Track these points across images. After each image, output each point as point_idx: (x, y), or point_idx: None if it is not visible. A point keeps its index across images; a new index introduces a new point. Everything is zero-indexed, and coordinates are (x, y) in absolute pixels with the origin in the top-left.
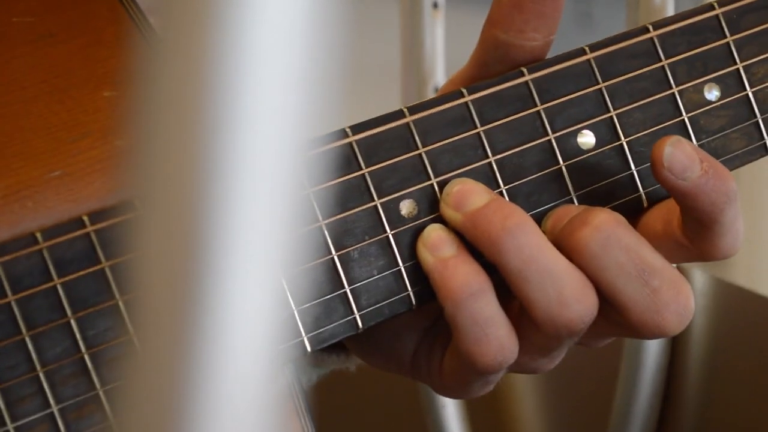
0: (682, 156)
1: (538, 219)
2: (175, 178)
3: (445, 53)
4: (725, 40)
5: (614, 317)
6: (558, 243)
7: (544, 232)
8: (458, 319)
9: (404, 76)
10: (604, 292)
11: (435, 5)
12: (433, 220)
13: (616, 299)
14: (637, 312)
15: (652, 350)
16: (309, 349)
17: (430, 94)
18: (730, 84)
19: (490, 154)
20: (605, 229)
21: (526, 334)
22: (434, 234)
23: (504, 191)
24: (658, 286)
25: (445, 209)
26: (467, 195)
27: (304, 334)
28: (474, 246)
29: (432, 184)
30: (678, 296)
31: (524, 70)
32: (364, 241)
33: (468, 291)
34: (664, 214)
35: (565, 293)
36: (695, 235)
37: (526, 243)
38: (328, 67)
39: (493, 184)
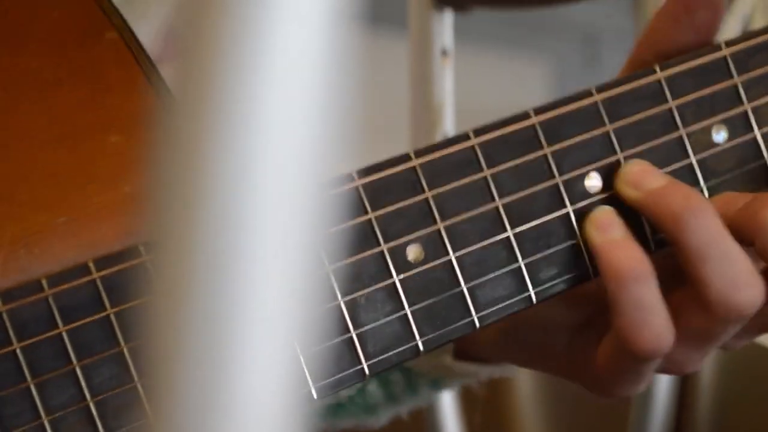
0: None
1: (546, 266)
2: (186, 229)
3: (455, 99)
4: (733, 81)
5: None
6: (733, 225)
7: None
8: (621, 301)
9: (413, 123)
10: None
11: (444, 52)
12: (440, 265)
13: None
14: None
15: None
16: (315, 397)
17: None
18: (738, 125)
19: (497, 198)
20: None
21: (689, 319)
22: (605, 215)
23: (511, 235)
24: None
25: (623, 187)
26: (646, 174)
27: (311, 384)
28: (654, 223)
29: (439, 229)
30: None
31: (531, 112)
32: (371, 286)
33: (634, 274)
34: None
35: (741, 277)
36: None
37: (708, 224)
38: (341, 114)
39: (499, 228)
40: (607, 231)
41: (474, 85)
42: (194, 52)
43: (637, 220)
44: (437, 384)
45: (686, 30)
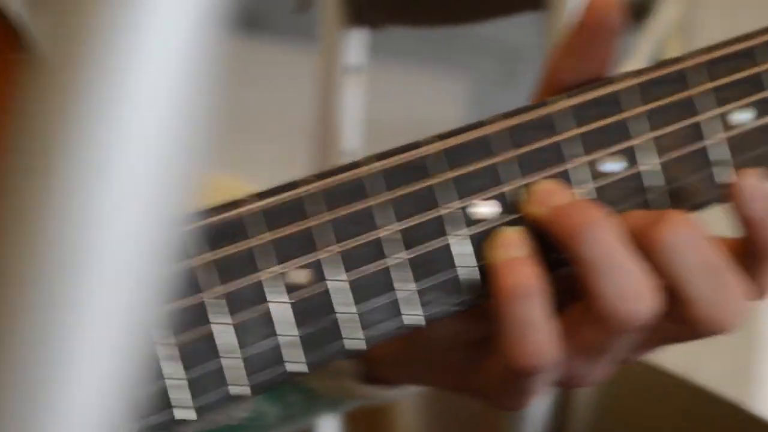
0: (756, 187)
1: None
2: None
3: (373, 115)
4: (630, 113)
5: (678, 313)
6: (632, 241)
7: None
8: (503, 317)
9: (317, 140)
10: (676, 286)
11: (352, 69)
12: (330, 289)
13: (686, 293)
14: (703, 307)
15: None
16: (196, 418)
17: (338, 157)
18: (634, 156)
19: (385, 224)
20: (684, 226)
21: (584, 332)
22: (508, 234)
23: (399, 261)
24: (724, 283)
25: (528, 205)
26: (552, 193)
27: (192, 404)
28: (554, 238)
29: (326, 254)
30: (740, 296)
31: (426, 139)
32: (255, 309)
33: (519, 292)
34: (723, 248)
35: (633, 289)
36: (752, 270)
37: (604, 238)
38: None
39: (387, 254)
40: (508, 249)
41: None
42: (54, 57)
43: (540, 241)
44: (337, 405)
45: (592, 62)
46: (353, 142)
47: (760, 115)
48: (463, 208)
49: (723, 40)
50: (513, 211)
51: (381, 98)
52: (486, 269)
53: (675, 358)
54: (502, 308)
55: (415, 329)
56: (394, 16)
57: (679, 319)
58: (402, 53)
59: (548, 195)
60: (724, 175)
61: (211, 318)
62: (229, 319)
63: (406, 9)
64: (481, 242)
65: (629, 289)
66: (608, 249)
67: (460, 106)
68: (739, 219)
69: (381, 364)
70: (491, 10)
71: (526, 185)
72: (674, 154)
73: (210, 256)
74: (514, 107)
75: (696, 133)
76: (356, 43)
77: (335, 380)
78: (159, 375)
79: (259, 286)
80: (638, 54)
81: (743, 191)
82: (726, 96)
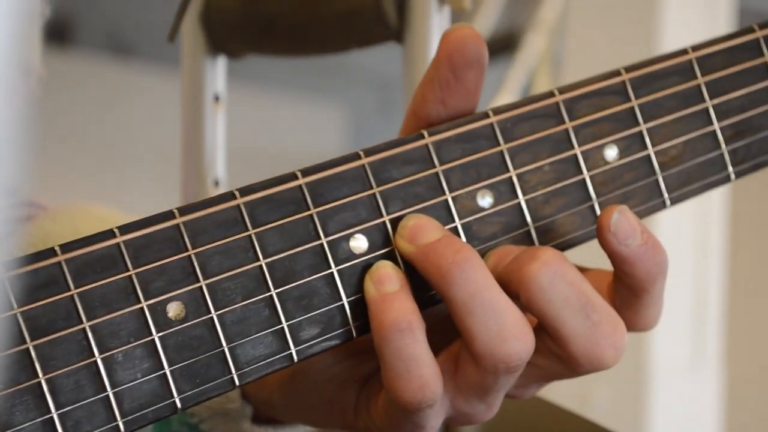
0: (626, 223)
1: (324, 321)
2: None
3: (226, 144)
4: (499, 148)
5: (556, 351)
6: (503, 278)
7: None
8: (384, 352)
9: (185, 167)
10: (548, 324)
11: (216, 99)
12: (200, 323)
13: (560, 331)
14: (579, 344)
15: None
16: None
17: (210, 186)
18: (503, 191)
19: (261, 257)
20: (553, 264)
21: (464, 371)
22: (382, 269)
23: (274, 294)
24: (598, 320)
25: (399, 241)
26: (421, 229)
27: None
28: (424, 276)
29: (201, 287)
30: (615, 331)
31: (298, 173)
32: (129, 343)
33: (397, 327)
34: (594, 282)
35: (506, 329)
36: (624, 303)
37: (474, 277)
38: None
39: (263, 288)
40: (383, 284)
41: (269, 129)
42: None
43: (415, 275)
44: None
45: (455, 94)
46: (221, 171)
47: (626, 151)
48: (333, 243)
49: (592, 76)
50: (381, 246)
51: (257, 126)
52: (355, 304)
53: (564, 388)
54: (382, 344)
55: (289, 365)
56: (254, 46)
57: (558, 357)
58: (277, 81)
59: (417, 231)
60: (594, 211)
61: (81, 352)
62: (98, 353)
63: (266, 39)
64: (351, 277)
65: (503, 329)
66: (478, 289)
67: (337, 134)
68: (612, 256)
69: (271, 404)
70: (350, 41)
71: (394, 220)
72: (544, 190)
73: (77, 290)
74: (386, 138)
75: (566, 168)
76: (219, 72)
77: (233, 423)
78: (34, 408)
79: (129, 319)
80: (509, 84)
81: (614, 228)
82: (594, 132)
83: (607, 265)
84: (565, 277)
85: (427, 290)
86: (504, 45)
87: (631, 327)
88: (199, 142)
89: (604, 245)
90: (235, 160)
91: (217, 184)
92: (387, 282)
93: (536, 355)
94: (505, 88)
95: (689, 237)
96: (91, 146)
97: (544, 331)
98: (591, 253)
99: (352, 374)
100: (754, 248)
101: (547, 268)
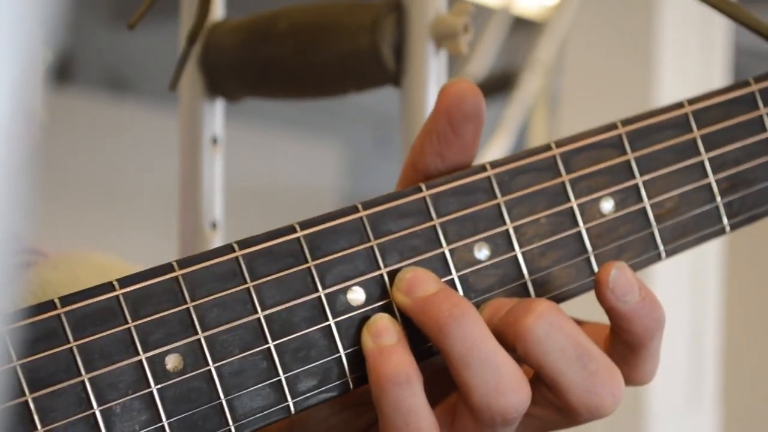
0: (624, 280)
1: (321, 374)
2: None
3: (224, 186)
4: (496, 201)
5: (554, 401)
6: (498, 331)
7: None
8: (382, 405)
9: (182, 210)
10: (546, 375)
11: (214, 141)
12: (198, 375)
13: (557, 381)
14: (577, 394)
15: None
16: None
17: (207, 229)
18: (500, 244)
19: (259, 310)
20: (548, 315)
21: (461, 423)
22: (380, 322)
23: (272, 346)
24: (595, 369)
25: (396, 293)
26: (418, 282)
27: None
28: (421, 330)
29: (199, 339)
30: (612, 379)
31: (296, 226)
32: (128, 395)
33: (395, 380)
34: (591, 335)
35: (503, 382)
36: (621, 358)
37: (471, 331)
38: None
39: (261, 340)
40: (381, 337)
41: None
42: None
43: (412, 327)
44: None
45: (453, 147)
46: (219, 213)
47: (622, 204)
48: (331, 295)
49: (588, 129)
50: (379, 298)
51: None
52: (352, 356)
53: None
54: (380, 396)
55: (286, 417)
56: (252, 90)
57: (556, 407)
58: (275, 120)
59: (414, 284)
60: (589, 263)
61: (79, 404)
62: (96, 405)
63: (263, 83)
64: (348, 329)
65: (501, 382)
66: (475, 342)
67: (335, 172)
68: (610, 312)
69: None
70: (347, 85)
71: (391, 272)
72: (540, 242)
73: (76, 342)
74: (383, 176)
75: (562, 221)
76: (217, 114)
77: None
78: None
79: (128, 371)
80: (505, 124)
81: (612, 285)
82: (591, 185)
83: (603, 317)
84: (561, 329)
85: (423, 342)
86: (500, 84)
87: (627, 381)
88: (197, 185)
89: (603, 301)
90: (234, 199)
91: (214, 226)
92: (385, 335)
93: (534, 406)
94: (502, 128)
95: (686, 277)
96: (89, 185)
97: (542, 382)
98: (588, 305)
99: (350, 426)
100: (749, 288)
101: (543, 320)
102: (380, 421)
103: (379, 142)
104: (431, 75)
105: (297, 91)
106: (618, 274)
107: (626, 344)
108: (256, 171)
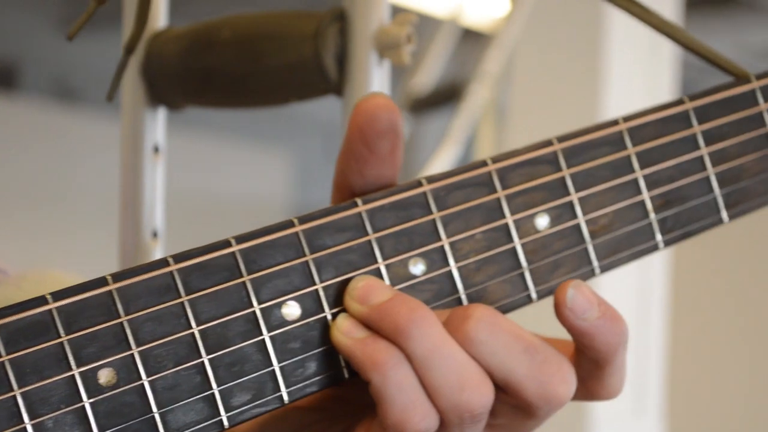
0: (582, 298)
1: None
2: None
3: (166, 195)
4: (432, 216)
5: (511, 402)
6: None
7: None
8: (387, 389)
9: (123, 218)
10: (498, 375)
11: (156, 150)
12: (132, 389)
13: (510, 379)
14: (531, 387)
15: None
16: None
17: (148, 238)
18: (436, 259)
19: (193, 324)
20: (486, 317)
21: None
22: (346, 321)
23: (206, 360)
24: (543, 359)
25: (350, 302)
26: (372, 290)
27: None
28: (381, 335)
29: (132, 354)
30: (562, 366)
31: (232, 240)
32: (60, 410)
33: (393, 361)
34: None
35: (466, 379)
36: (587, 374)
37: (431, 333)
38: None
39: (195, 354)
40: (353, 333)
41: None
42: None
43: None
44: None
45: (371, 164)
46: (160, 222)
47: (557, 220)
48: (266, 310)
49: (523, 146)
50: (314, 313)
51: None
52: (287, 370)
53: None
54: (380, 383)
55: (220, 431)
56: (194, 98)
57: (516, 408)
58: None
59: (368, 292)
60: (524, 278)
61: (11, 419)
62: (28, 419)
63: (205, 92)
64: (283, 343)
65: (464, 380)
66: (437, 343)
67: (282, 181)
68: (572, 331)
69: None
70: (290, 94)
71: (327, 287)
72: (476, 258)
73: (8, 356)
74: (331, 185)
75: (498, 237)
76: (159, 123)
77: None
78: None
79: (60, 386)
80: (453, 135)
81: (570, 304)
82: (526, 201)
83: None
84: (502, 327)
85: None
86: (448, 96)
87: (596, 396)
88: (138, 194)
89: (563, 321)
90: (179, 208)
91: (155, 235)
92: (355, 330)
93: (495, 414)
94: (449, 139)
95: (632, 284)
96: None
97: (496, 384)
98: (549, 320)
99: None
100: (694, 296)
101: (483, 323)
102: (383, 410)
103: (329, 152)
104: (374, 85)
105: (239, 100)
106: (575, 293)
107: (591, 361)
108: (202, 180)
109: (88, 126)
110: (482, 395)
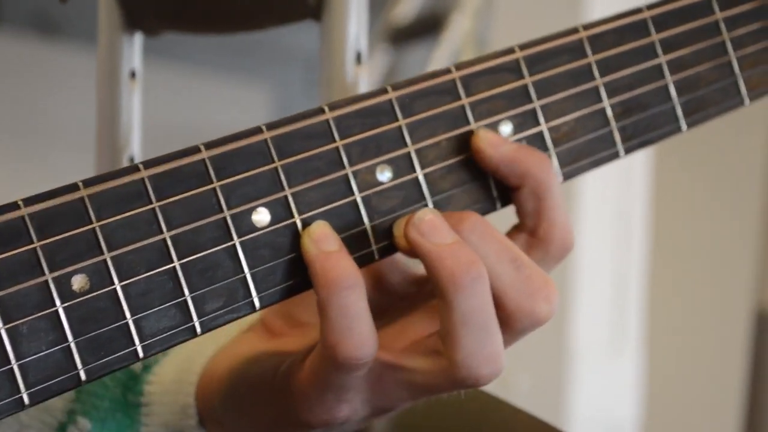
0: (494, 134)
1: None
2: None
3: (141, 122)
4: (398, 123)
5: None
6: None
7: None
8: (329, 308)
9: (100, 144)
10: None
11: (132, 75)
12: (105, 294)
13: (495, 285)
14: (514, 297)
15: None
16: None
17: (126, 163)
18: (402, 166)
19: (165, 230)
20: (480, 222)
21: (422, 372)
22: (320, 229)
23: (177, 266)
24: (529, 273)
25: (412, 232)
26: (438, 228)
27: None
28: (430, 274)
29: (105, 259)
30: (547, 284)
31: (201, 146)
32: (33, 315)
33: (344, 283)
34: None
35: (489, 351)
36: (532, 211)
37: (481, 292)
38: None
39: (167, 260)
40: (323, 243)
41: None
42: None
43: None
44: None
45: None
46: (137, 149)
47: (520, 127)
48: (236, 216)
49: (489, 53)
50: (283, 219)
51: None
52: (258, 276)
53: None
54: (325, 299)
55: (192, 337)
56: (171, 23)
57: (498, 319)
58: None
59: (432, 228)
60: (489, 186)
61: None
62: (2, 324)
63: (182, 16)
64: (254, 250)
65: (486, 351)
66: (482, 305)
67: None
68: (494, 162)
69: (211, 408)
70: (268, 18)
71: (295, 193)
72: (441, 164)
73: None
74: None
75: (463, 144)
76: (135, 49)
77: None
78: None
79: (34, 291)
80: (434, 66)
81: (484, 139)
82: (490, 108)
83: None
84: (493, 235)
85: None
86: (429, 26)
87: (548, 241)
88: (115, 119)
89: (481, 159)
90: (158, 139)
91: (132, 160)
92: (327, 241)
93: None
94: (430, 70)
95: (610, 221)
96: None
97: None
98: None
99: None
100: (675, 232)
101: (477, 227)
102: (323, 327)
103: (308, 84)
104: (352, 10)
105: (216, 25)
106: (484, 131)
107: (530, 194)
108: (180, 111)
109: (68, 58)
110: (494, 372)
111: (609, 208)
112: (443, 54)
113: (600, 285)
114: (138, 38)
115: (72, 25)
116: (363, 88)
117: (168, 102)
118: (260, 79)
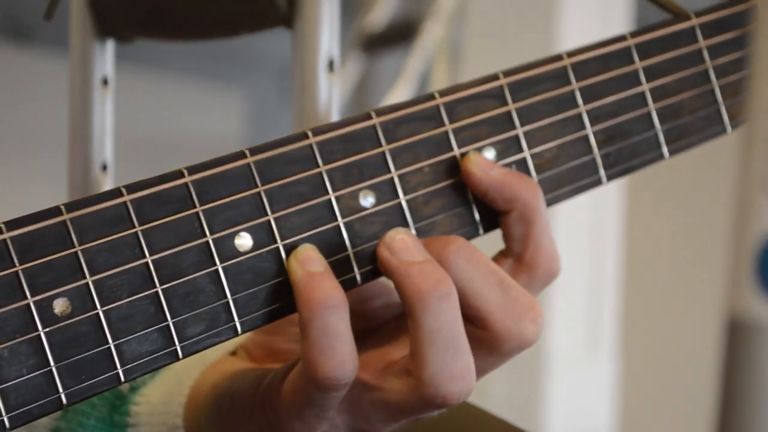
0: (483, 159)
1: (207, 318)
2: None
3: (114, 129)
4: (381, 149)
5: (479, 335)
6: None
7: None
8: (310, 328)
9: (72, 151)
10: (471, 303)
11: (105, 82)
12: (86, 319)
13: (482, 308)
14: (501, 319)
15: None
16: None
17: (98, 171)
18: (385, 191)
19: (147, 254)
20: (466, 246)
21: (396, 392)
22: (306, 252)
23: (160, 290)
24: (515, 296)
25: (383, 250)
26: (409, 247)
27: None
28: (399, 293)
29: (87, 283)
30: (533, 307)
31: (184, 171)
32: (15, 339)
33: (327, 303)
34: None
35: (458, 368)
36: (519, 236)
37: (447, 309)
38: None
39: (149, 284)
40: (308, 264)
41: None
42: None
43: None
44: None
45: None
46: (110, 155)
47: (503, 154)
48: (219, 240)
49: (473, 79)
50: (266, 244)
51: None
52: (240, 301)
53: None
54: (310, 320)
55: (174, 362)
56: (143, 30)
57: (483, 343)
58: (175, 67)
59: (403, 247)
60: (472, 212)
61: None
62: None
63: (154, 23)
64: (236, 275)
65: (454, 368)
66: (448, 323)
67: (236, 121)
68: (482, 186)
69: (197, 426)
70: (240, 26)
71: (278, 218)
72: (424, 190)
73: None
74: (286, 126)
75: (446, 170)
76: (108, 55)
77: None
78: None
79: (16, 315)
80: (407, 73)
81: (473, 166)
82: (473, 134)
83: None
84: (480, 258)
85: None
86: (402, 33)
87: (535, 266)
88: (87, 126)
89: (471, 183)
90: (131, 146)
91: (105, 168)
92: (312, 263)
93: None
94: (404, 77)
95: (585, 228)
96: None
97: (466, 317)
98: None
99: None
100: (648, 238)
101: (463, 250)
102: (304, 345)
103: (282, 92)
104: (324, 18)
105: (188, 32)
106: (475, 155)
107: (519, 219)
108: (153, 118)
109: (40, 64)
110: (464, 389)
111: (583, 214)
112: (416, 61)
113: (575, 292)
114: (110, 45)
115: (44, 32)
116: (336, 95)
117: (141, 109)
118: (234, 86)
